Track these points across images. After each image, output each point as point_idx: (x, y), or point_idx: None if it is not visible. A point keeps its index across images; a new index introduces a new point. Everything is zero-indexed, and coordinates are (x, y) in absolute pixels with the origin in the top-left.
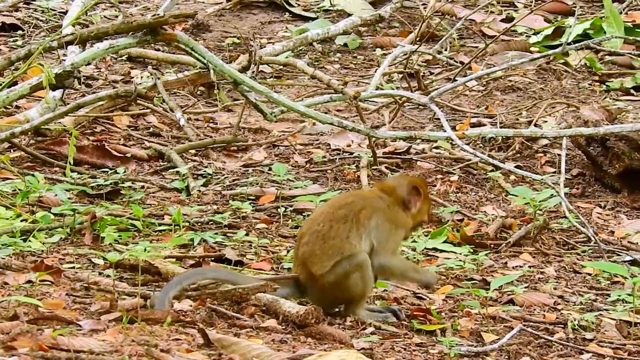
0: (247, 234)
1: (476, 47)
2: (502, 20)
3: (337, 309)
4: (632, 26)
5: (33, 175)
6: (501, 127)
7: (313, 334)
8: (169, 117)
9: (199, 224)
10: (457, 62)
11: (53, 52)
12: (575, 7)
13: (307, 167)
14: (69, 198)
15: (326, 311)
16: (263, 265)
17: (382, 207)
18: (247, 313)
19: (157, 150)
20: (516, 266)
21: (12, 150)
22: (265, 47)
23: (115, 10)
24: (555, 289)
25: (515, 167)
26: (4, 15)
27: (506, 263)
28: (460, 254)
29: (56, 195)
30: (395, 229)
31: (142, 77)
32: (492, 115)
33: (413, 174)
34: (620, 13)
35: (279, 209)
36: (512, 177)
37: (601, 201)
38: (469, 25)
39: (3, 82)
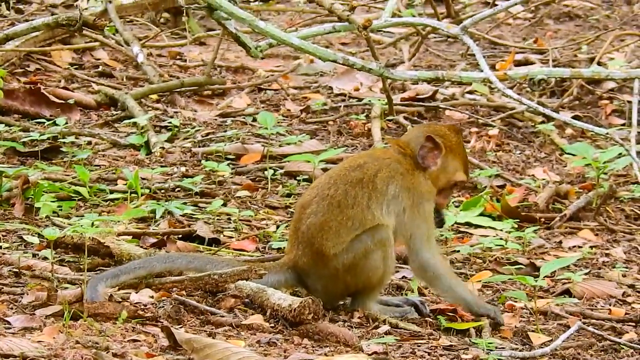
0: (224, 204)
1: None
2: None
3: (341, 302)
4: None
5: None
6: (554, 66)
7: (310, 334)
8: (124, 52)
9: (163, 190)
10: None
11: None
12: None
13: (303, 118)
14: None
15: (330, 304)
16: (245, 245)
17: (400, 170)
18: (224, 307)
19: (109, 95)
20: (574, 246)
21: None
22: None
23: None
24: (624, 276)
25: (573, 117)
26: None
27: (561, 242)
28: (502, 230)
29: None
30: (420, 202)
31: (88, 1)
32: (542, 51)
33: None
34: None
35: (265, 172)
36: (569, 130)
37: None
38: None
39: None
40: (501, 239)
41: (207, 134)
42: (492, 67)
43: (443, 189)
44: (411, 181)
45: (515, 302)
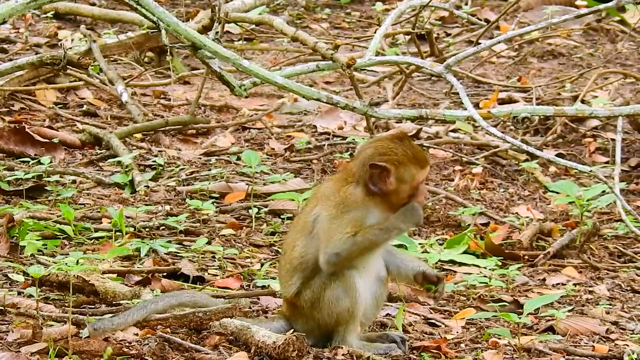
0: (209, 243)
1: (505, 0)
2: None
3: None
4: None
5: None
6: (538, 104)
7: None
8: (108, 92)
9: (147, 229)
10: (480, 20)
11: None
12: None
13: (287, 156)
14: None
15: (315, 342)
16: (230, 283)
17: (328, 193)
18: (209, 344)
19: (93, 134)
20: (557, 284)
21: None
22: (232, 0)
23: None
24: (607, 313)
25: (556, 155)
26: None
27: (544, 280)
28: (485, 267)
29: None
30: (341, 214)
31: (73, 40)
32: (526, 89)
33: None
34: None
35: (250, 210)
36: (553, 168)
37: None
38: None
39: None
40: (485, 276)
41: (192, 173)
42: (476, 106)
43: (413, 194)
44: (340, 198)
45: (499, 339)
